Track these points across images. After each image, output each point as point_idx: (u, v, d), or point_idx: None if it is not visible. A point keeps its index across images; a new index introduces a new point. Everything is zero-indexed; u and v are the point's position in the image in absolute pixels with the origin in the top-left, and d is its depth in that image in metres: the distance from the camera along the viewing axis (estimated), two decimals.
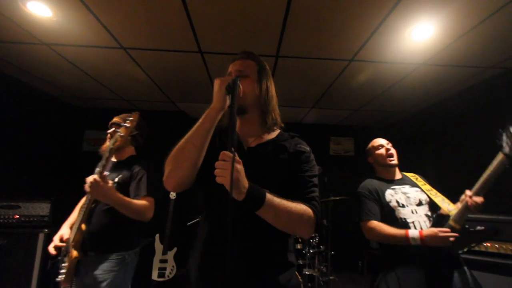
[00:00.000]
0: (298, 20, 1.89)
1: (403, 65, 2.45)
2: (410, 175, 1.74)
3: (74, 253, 1.41)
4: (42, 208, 2.52)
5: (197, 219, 3.07)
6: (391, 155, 1.74)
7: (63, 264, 1.45)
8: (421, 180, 1.69)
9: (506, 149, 1.22)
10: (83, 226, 1.44)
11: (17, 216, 2.46)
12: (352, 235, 4.32)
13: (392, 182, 1.69)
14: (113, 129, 1.65)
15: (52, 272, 1.49)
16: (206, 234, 0.91)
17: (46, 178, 3.39)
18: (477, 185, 1.33)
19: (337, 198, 3.35)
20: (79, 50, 2.36)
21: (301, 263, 2.92)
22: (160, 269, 3.13)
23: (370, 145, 1.89)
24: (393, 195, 1.60)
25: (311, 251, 2.95)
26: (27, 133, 3.24)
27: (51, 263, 2.29)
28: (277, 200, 0.80)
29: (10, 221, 2.44)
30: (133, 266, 1.61)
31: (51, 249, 1.49)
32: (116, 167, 1.62)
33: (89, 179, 1.36)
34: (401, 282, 1.40)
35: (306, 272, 2.86)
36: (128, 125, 1.44)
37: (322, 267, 3.17)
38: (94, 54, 2.42)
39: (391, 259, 1.50)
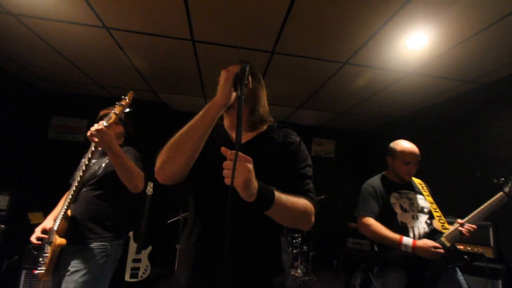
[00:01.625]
0: (299, 18, 1.85)
1: (393, 72, 2.52)
2: (417, 181, 1.75)
3: (59, 240, 1.37)
4: (2, 200, 2.22)
5: (178, 217, 2.92)
6: (412, 173, 1.69)
7: (45, 256, 1.41)
8: (426, 190, 1.71)
9: (507, 189, 1.41)
10: (69, 212, 1.42)
11: None
12: (328, 236, 4.43)
13: (399, 186, 1.69)
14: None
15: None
16: (198, 235, 0.86)
17: (5, 167, 3.01)
18: (472, 215, 1.46)
19: (322, 197, 3.39)
20: (53, 25, 2.09)
21: None
22: (132, 269, 2.94)
23: (401, 149, 1.69)
24: (398, 199, 1.62)
25: (294, 251, 2.94)
26: None
27: (6, 263, 2.09)
28: (284, 197, 0.77)
29: None
30: (116, 259, 1.54)
31: (32, 239, 1.44)
32: (103, 154, 1.60)
33: (94, 127, 1.33)
34: (389, 284, 1.50)
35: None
36: (123, 103, 1.42)
37: (303, 267, 3.19)
38: (71, 32, 2.16)
39: (384, 260, 1.56)
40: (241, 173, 0.66)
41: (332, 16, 1.81)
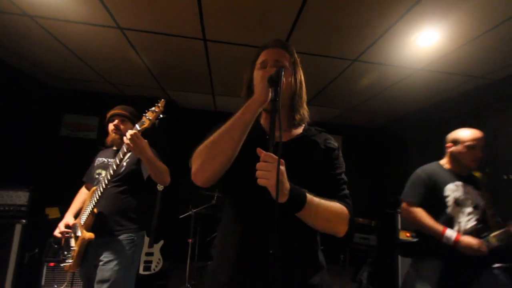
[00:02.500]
0: (311, 17, 1.87)
1: (402, 69, 2.53)
2: (477, 174, 1.64)
3: (87, 234, 1.47)
4: (20, 197, 2.32)
5: (189, 212, 2.99)
6: (478, 160, 1.59)
7: (72, 249, 1.52)
8: (485, 184, 1.62)
9: None
10: (95, 210, 1.51)
11: None
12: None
13: (459, 177, 1.60)
14: (116, 121, 1.72)
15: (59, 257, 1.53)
16: (239, 234, 0.86)
17: (24, 165, 3.10)
18: None
19: None
20: (69, 26, 2.14)
21: None
22: (145, 262, 3.02)
23: (464, 134, 1.62)
24: (453, 191, 1.55)
25: None
26: (2, 117, 2.92)
27: (28, 256, 2.16)
28: (317, 200, 0.78)
29: None
30: (141, 248, 1.68)
31: (56, 233, 1.56)
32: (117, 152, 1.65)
33: (129, 132, 1.40)
34: (420, 273, 1.51)
35: None
36: (156, 110, 1.49)
37: None
38: (86, 32, 2.21)
39: (423, 249, 1.57)
40: (273, 174, 0.68)
41: (343, 14, 1.82)
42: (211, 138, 0.82)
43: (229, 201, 0.93)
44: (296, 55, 1.00)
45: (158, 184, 3.24)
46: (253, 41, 2.23)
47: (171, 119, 4.10)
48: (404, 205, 1.62)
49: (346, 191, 0.92)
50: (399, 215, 2.52)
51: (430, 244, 1.51)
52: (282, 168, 0.70)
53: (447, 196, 1.54)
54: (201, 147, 0.83)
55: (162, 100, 1.55)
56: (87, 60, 2.76)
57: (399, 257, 2.43)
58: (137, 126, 1.44)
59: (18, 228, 2.23)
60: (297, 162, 0.87)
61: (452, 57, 2.23)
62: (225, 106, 4.18)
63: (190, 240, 3.05)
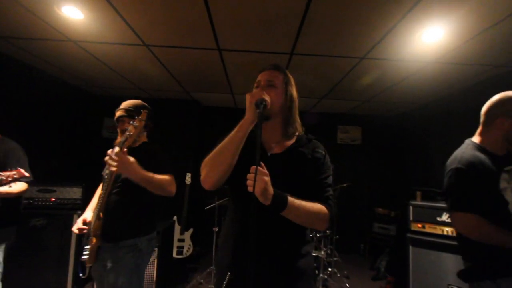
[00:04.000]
0: (315, 20, 1.95)
1: (413, 63, 2.54)
2: None
3: (94, 240, 1.52)
4: (75, 192, 2.78)
5: (213, 204, 3.32)
6: None
7: (86, 246, 1.57)
8: None
9: None
10: (101, 214, 1.53)
11: (53, 199, 2.74)
12: (355, 220, 4.58)
13: (503, 160, 1.22)
14: (124, 125, 1.64)
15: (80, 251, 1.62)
16: (237, 227, 1.07)
17: (75, 164, 3.65)
18: None
19: (344, 185, 3.54)
20: (104, 47, 2.49)
21: None
22: (178, 247, 3.43)
23: None
24: (509, 182, 1.18)
25: (317, 235, 3.19)
26: (55, 122, 3.46)
27: (84, 239, 2.51)
28: (297, 202, 0.94)
29: (47, 203, 2.72)
30: (149, 252, 1.65)
31: (74, 230, 1.59)
32: (130, 154, 1.56)
33: (110, 153, 1.35)
34: None
35: (313, 254, 3.11)
36: (136, 124, 1.40)
37: (327, 249, 3.43)
38: (117, 50, 2.56)
39: (493, 266, 1.17)
40: (259, 184, 0.85)
41: (347, 16, 1.88)
42: (213, 151, 1.02)
43: (231, 202, 1.15)
44: (289, 75, 1.15)
45: (186, 178, 3.64)
46: (262, 47, 2.41)
47: (196, 117, 4.44)
48: (457, 215, 1.21)
49: (329, 193, 1.06)
50: (410, 206, 2.58)
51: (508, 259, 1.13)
52: (267, 178, 0.88)
53: (504, 190, 1.17)
54: (206, 159, 1.02)
55: (144, 111, 1.45)
56: (121, 72, 3.14)
57: (410, 247, 2.51)
58: (116, 148, 1.39)
59: (75, 217, 2.71)
60: (285, 172, 1.03)
61: (467, 47, 2.19)
62: (245, 102, 4.40)
63: (215, 229, 3.38)
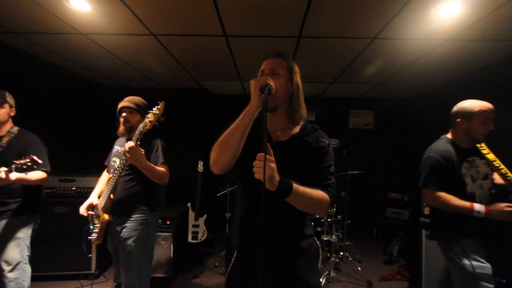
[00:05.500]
0: (322, 1, 1.90)
1: (428, 41, 2.42)
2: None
3: (106, 216, 1.76)
4: (93, 181, 2.91)
5: (225, 191, 3.39)
6: (487, 132, 1.60)
7: (95, 226, 1.81)
8: (486, 148, 1.63)
9: None
10: (112, 196, 1.78)
11: (74, 188, 2.89)
12: (368, 205, 4.56)
13: (467, 152, 1.62)
14: (124, 114, 1.86)
15: (84, 233, 1.86)
16: (244, 210, 1.13)
17: (92, 154, 3.80)
18: None
19: (355, 172, 3.51)
20: (113, 38, 2.52)
21: (319, 230, 3.22)
22: (193, 233, 3.55)
23: (479, 108, 1.60)
24: (468, 169, 1.58)
25: (328, 220, 3.21)
26: (71, 115, 3.59)
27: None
28: (301, 189, 0.97)
29: (69, 192, 2.87)
30: (156, 226, 1.96)
31: (82, 211, 1.82)
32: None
33: (128, 145, 1.59)
34: (467, 251, 1.51)
35: (324, 238, 3.16)
36: (156, 112, 1.62)
37: (338, 233, 3.46)
38: (126, 41, 2.58)
39: (455, 230, 1.57)
40: (266, 171, 0.87)
41: None
42: (221, 137, 1.05)
43: (239, 186, 1.19)
44: (293, 63, 1.14)
45: (199, 166, 3.72)
46: (269, 31, 2.36)
47: (206, 106, 4.47)
48: (427, 192, 1.60)
49: (331, 181, 1.09)
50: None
51: (467, 223, 1.52)
52: (274, 165, 0.91)
53: (464, 175, 1.57)
54: (215, 145, 1.05)
55: (162, 102, 1.66)
56: (130, 62, 3.18)
57: (423, 231, 2.49)
58: (131, 142, 1.61)
59: None
60: (290, 159, 1.06)
61: (485, 22, 2.07)
62: None
63: (227, 214, 3.48)
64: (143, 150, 1.67)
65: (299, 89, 1.12)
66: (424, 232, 2.49)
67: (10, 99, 1.92)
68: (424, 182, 1.62)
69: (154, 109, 1.64)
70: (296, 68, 1.15)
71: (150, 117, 1.62)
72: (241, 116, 1.02)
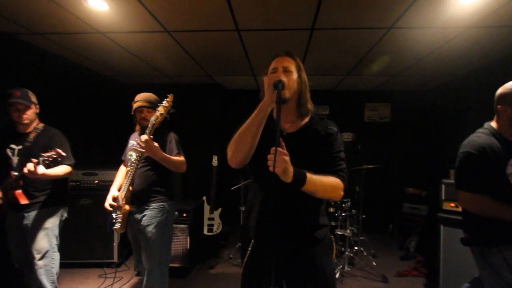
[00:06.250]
0: None
1: (447, 30, 2.32)
2: None
3: (127, 207, 1.90)
4: (114, 175, 2.98)
5: (239, 185, 3.44)
6: None
7: (118, 216, 1.92)
8: None
9: None
10: (130, 188, 1.90)
11: (96, 182, 3.03)
12: (384, 201, 4.47)
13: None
14: (144, 113, 2.00)
15: (108, 224, 1.96)
16: (259, 202, 1.17)
17: (111, 148, 3.95)
18: None
19: (370, 166, 3.45)
20: (129, 36, 2.60)
21: (333, 224, 3.21)
22: (209, 225, 3.65)
23: None
24: None
25: (343, 214, 3.19)
26: (91, 111, 3.74)
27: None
28: (315, 177, 1.02)
29: (92, 185, 3.02)
30: (173, 214, 2.09)
31: (107, 205, 1.93)
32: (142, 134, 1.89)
33: (143, 138, 1.70)
34: (511, 263, 1.30)
35: (338, 233, 3.15)
36: (166, 104, 1.74)
37: (353, 228, 3.43)
38: (142, 39, 2.65)
39: (496, 235, 1.35)
40: (280, 163, 0.93)
41: None
42: (237, 133, 1.11)
43: (253, 178, 1.25)
44: (299, 60, 1.22)
45: (213, 160, 3.79)
46: (282, 25, 2.35)
47: (219, 101, 4.52)
48: (464, 194, 1.38)
49: (342, 166, 1.14)
50: (443, 185, 2.46)
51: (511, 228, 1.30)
52: (287, 158, 0.95)
53: (510, 175, 1.31)
54: (232, 141, 1.12)
55: (171, 94, 1.76)
56: (146, 59, 3.27)
57: (442, 227, 2.43)
58: (145, 136, 1.70)
59: None
60: (301, 149, 1.11)
61: (508, 8, 1.96)
62: None
63: (241, 208, 3.53)
64: (157, 144, 1.76)
65: (306, 86, 1.19)
66: (442, 228, 2.42)
67: (33, 98, 2.01)
68: (460, 184, 1.40)
69: (163, 102, 1.74)
70: (302, 66, 1.21)
71: (160, 109, 1.73)
72: (255, 111, 1.07)
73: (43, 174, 1.76)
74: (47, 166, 1.79)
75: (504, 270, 1.30)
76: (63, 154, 1.81)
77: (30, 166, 1.71)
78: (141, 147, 1.73)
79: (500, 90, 1.43)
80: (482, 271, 1.45)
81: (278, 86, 1.01)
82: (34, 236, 1.93)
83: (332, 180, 1.08)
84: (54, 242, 2.02)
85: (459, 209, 2.32)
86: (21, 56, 2.74)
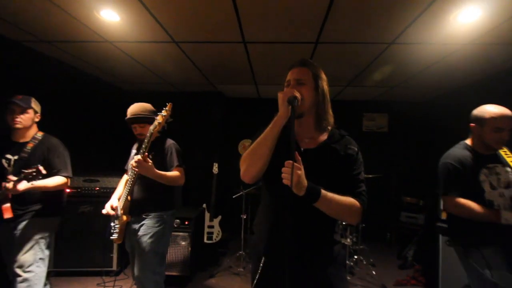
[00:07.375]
0: (342, 7, 1.91)
1: (446, 46, 2.42)
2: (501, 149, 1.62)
3: (124, 217, 1.88)
4: (116, 182, 3.01)
5: (241, 193, 3.45)
6: (505, 141, 1.56)
7: (116, 226, 1.91)
8: (510, 153, 1.60)
9: None
10: (129, 198, 1.90)
11: (97, 188, 3.02)
12: (382, 210, 4.53)
13: (487, 158, 1.58)
14: (137, 130, 2.00)
15: (106, 233, 1.94)
16: (272, 217, 1.15)
17: (113, 156, 3.95)
18: None
19: (369, 176, 3.51)
20: (137, 45, 2.64)
21: None
22: (208, 233, 3.64)
23: (490, 115, 1.55)
24: (487, 176, 1.54)
25: (343, 223, 3.23)
26: (95, 118, 3.75)
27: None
28: (330, 195, 0.99)
29: (92, 192, 3.00)
30: (172, 224, 2.06)
31: (104, 212, 1.90)
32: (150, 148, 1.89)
33: (135, 158, 1.70)
34: (489, 261, 1.48)
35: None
36: (164, 113, 1.73)
37: (352, 237, 3.47)
38: (150, 48, 2.70)
39: (475, 237, 1.55)
40: (294, 177, 0.90)
41: (374, 1, 1.82)
42: (251, 147, 1.09)
43: (266, 191, 1.19)
44: (318, 70, 1.16)
45: (214, 168, 3.81)
46: (287, 38, 2.42)
47: (220, 109, 4.57)
48: (449, 199, 1.59)
49: (362, 189, 1.10)
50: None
51: (487, 230, 1.50)
52: (301, 172, 0.93)
53: (482, 182, 1.53)
54: (245, 155, 1.10)
55: (170, 103, 1.74)
56: (152, 68, 3.31)
57: (440, 236, 2.48)
58: (139, 156, 1.69)
59: None
60: (319, 167, 1.07)
61: (506, 25, 2.06)
62: (267, 93, 4.45)
63: (243, 216, 3.54)
64: (150, 162, 1.74)
65: (325, 97, 1.13)
66: (441, 237, 2.47)
67: (35, 105, 1.94)
68: (445, 190, 1.61)
69: (162, 111, 1.72)
70: (323, 76, 1.16)
71: (159, 119, 1.72)
72: (269, 126, 1.06)
73: (30, 187, 1.71)
74: (30, 181, 1.71)
75: (483, 267, 1.49)
76: (43, 171, 1.72)
77: (9, 184, 1.66)
78: (133, 168, 1.73)
79: (474, 111, 1.67)
80: (467, 270, 1.63)
81: (293, 102, 0.99)
82: (20, 247, 1.81)
83: (349, 202, 1.03)
84: (39, 255, 1.87)
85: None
86: (27, 63, 2.76)
